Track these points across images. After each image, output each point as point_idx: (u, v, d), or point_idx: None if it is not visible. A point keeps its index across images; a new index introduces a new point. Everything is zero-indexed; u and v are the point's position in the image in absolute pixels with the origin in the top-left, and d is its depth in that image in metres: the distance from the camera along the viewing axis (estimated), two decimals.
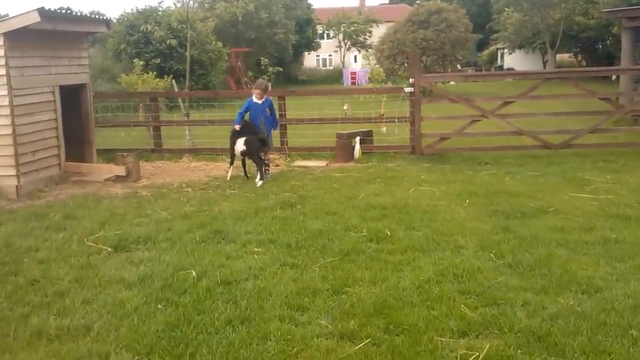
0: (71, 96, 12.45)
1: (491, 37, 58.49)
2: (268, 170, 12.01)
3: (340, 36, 63.94)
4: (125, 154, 11.94)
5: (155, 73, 21.78)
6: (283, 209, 9.07)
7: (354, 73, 58.36)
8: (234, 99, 17.88)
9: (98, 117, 16.22)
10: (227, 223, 8.30)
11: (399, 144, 14.40)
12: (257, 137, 11.61)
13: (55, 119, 11.64)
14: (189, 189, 10.94)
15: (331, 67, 71.03)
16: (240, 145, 11.53)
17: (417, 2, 40.15)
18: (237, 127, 11.71)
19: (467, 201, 9.38)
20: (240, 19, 43.67)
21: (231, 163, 11.92)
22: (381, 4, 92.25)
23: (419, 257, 6.74)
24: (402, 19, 39.63)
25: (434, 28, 36.18)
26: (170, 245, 7.25)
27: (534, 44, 54.15)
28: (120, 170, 11.70)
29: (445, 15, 36.70)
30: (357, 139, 14.00)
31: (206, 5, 47.34)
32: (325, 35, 67.87)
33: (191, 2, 16.09)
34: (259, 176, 11.35)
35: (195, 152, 14.78)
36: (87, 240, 7.55)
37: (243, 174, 11.98)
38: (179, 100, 16.16)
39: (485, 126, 14.63)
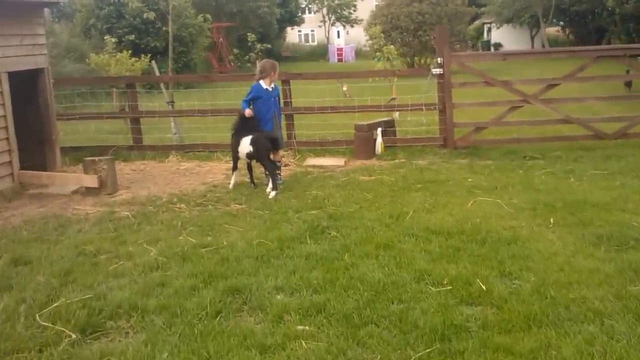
0: (25, 85, 9.89)
1: (478, 11, 56.10)
2: (280, 174, 9.57)
3: (324, 10, 60.98)
4: (97, 158, 9.39)
5: (130, 51, 19.09)
6: (315, 239, 6.72)
7: (340, 49, 55.96)
8: (232, 83, 15.19)
9: (62, 107, 13.69)
10: (246, 270, 5.93)
11: (427, 136, 12.01)
12: (267, 134, 9.17)
13: (4, 116, 9.13)
14: (183, 205, 8.52)
15: (314, 43, 68.18)
16: (245, 145, 9.11)
17: None
18: (249, 111, 9.28)
19: (551, 220, 7.14)
20: None
21: (234, 168, 9.56)
22: None
23: (556, 340, 4.38)
24: None
25: (429, 1, 33.65)
26: (167, 324, 4.81)
27: (522, 18, 51.94)
28: (91, 181, 9.21)
29: None
30: (379, 130, 11.61)
31: None
32: (307, 9, 64.77)
33: None
34: (271, 185, 8.95)
35: (184, 150, 12.32)
36: (39, 317, 5.01)
37: (249, 181, 9.54)
38: (161, 85, 13.57)
39: (524, 113, 12.27)
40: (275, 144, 9.16)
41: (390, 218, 7.39)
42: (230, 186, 9.37)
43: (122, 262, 6.31)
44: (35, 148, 10.39)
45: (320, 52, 61.55)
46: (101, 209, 8.49)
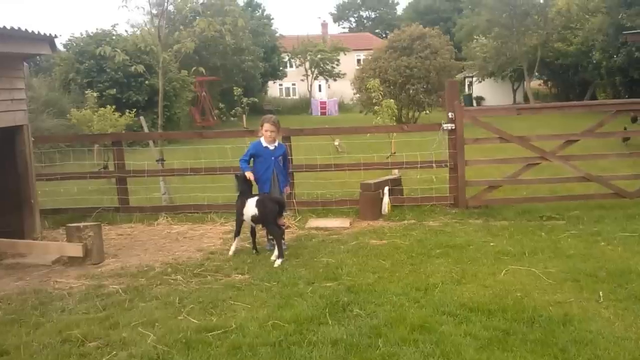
0: (2, 143, 9.03)
1: (463, 66, 56.38)
2: (284, 239, 8.76)
3: (307, 64, 60.82)
4: (81, 224, 8.50)
5: (113, 107, 18.29)
6: (337, 319, 5.88)
7: (323, 103, 55.63)
8: (219, 140, 14.37)
9: (41, 166, 12.82)
10: None
11: (436, 195, 11.24)
12: (273, 197, 8.39)
13: None
14: (179, 277, 7.62)
15: (296, 97, 67.90)
16: (251, 207, 8.30)
17: (397, 29, 37.20)
18: (250, 174, 8.57)
19: (600, 294, 6.36)
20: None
21: (237, 233, 8.73)
22: (341, 33, 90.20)
23: None
24: (382, 46, 36.82)
25: (417, 55, 33.36)
26: None
27: (504, 72, 52.15)
28: (74, 250, 8.31)
29: (429, 41, 33.93)
30: (386, 190, 10.82)
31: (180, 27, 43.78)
32: (289, 63, 64.60)
33: (161, 21, 12.48)
34: (276, 252, 8.11)
35: (175, 211, 11.44)
36: None
37: (251, 247, 8.70)
38: (150, 143, 12.74)
39: (536, 171, 11.60)
40: (282, 208, 8.34)
41: (417, 291, 6.55)
42: (230, 253, 8.51)
43: (115, 353, 5.38)
44: (12, 212, 9.49)
45: (302, 106, 61.21)
46: (87, 282, 7.58)
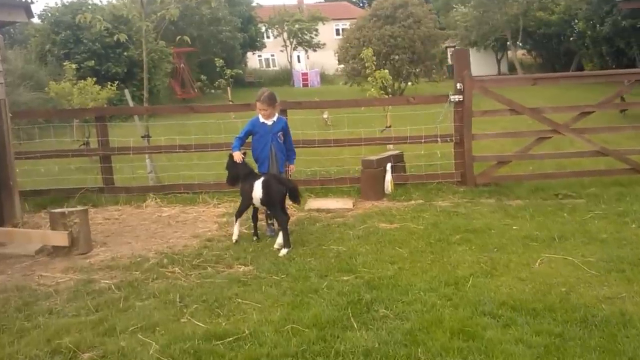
0: None
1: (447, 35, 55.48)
2: (272, 223, 8.10)
3: (285, 35, 59.52)
4: (66, 210, 7.68)
5: (94, 79, 17.29)
6: (363, 322, 5.17)
7: (305, 74, 54.57)
8: (215, 114, 13.40)
9: (19, 143, 11.95)
10: None
11: (442, 172, 10.53)
12: (281, 177, 7.64)
13: None
14: (176, 269, 6.85)
15: (276, 68, 66.56)
16: (257, 189, 7.55)
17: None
18: (238, 154, 7.82)
19: None
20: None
21: (238, 215, 7.96)
22: (318, 2, 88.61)
23: None
24: (365, 14, 35.85)
25: (400, 24, 32.46)
26: None
27: (487, 42, 51.41)
28: (60, 239, 7.50)
29: (411, 10, 33.02)
30: (389, 166, 10.09)
31: None
32: (266, 34, 63.19)
33: None
34: (280, 241, 7.44)
35: (163, 191, 10.64)
36: None
37: (253, 233, 7.94)
38: (136, 118, 11.86)
39: (545, 145, 10.93)
40: (292, 192, 7.54)
41: (447, 286, 5.85)
42: (234, 238, 7.77)
43: None
44: None
45: (284, 77, 60.05)
46: (75, 277, 6.79)
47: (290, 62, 61.24)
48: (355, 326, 5.04)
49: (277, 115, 8.09)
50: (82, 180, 11.41)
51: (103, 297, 6.10)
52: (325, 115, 20.54)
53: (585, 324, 4.91)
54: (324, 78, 58.38)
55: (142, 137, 11.44)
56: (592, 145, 10.08)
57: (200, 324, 5.28)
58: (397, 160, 10.55)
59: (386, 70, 15.22)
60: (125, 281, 6.52)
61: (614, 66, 34.71)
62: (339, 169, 11.59)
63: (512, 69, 52.69)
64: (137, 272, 6.82)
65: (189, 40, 12.84)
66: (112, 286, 6.37)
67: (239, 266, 6.92)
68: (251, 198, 7.57)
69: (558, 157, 10.99)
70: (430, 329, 4.88)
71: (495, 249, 6.97)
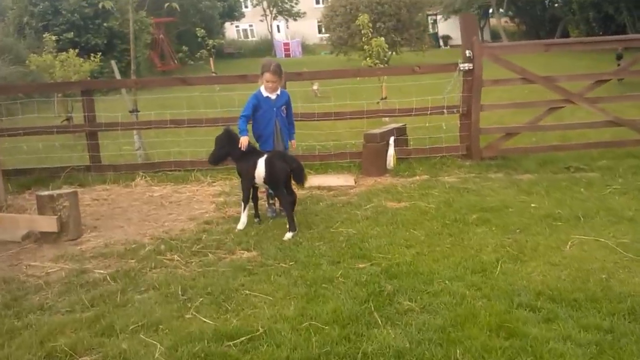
0: None
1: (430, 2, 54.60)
2: (273, 203, 7.57)
3: (265, 4, 58.33)
4: (54, 193, 7.11)
5: (76, 50, 16.54)
6: (388, 317, 4.70)
7: (287, 44, 53.60)
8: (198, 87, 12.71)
9: (1, 120, 11.30)
10: None
11: (446, 145, 10.04)
12: (284, 154, 7.09)
13: None
14: (175, 256, 6.31)
15: (254, 39, 65.23)
16: (260, 168, 6.98)
17: None
18: (246, 140, 7.12)
19: None
20: None
21: (245, 200, 7.30)
22: None
23: None
24: None
25: None
26: None
27: (471, 9, 50.67)
28: (48, 224, 6.93)
29: None
30: (392, 140, 9.58)
31: None
32: (244, 3, 61.79)
33: None
34: (289, 234, 6.78)
35: (153, 169, 10.08)
36: None
37: (254, 214, 7.40)
38: (123, 91, 11.22)
39: (552, 117, 10.50)
40: (297, 170, 6.97)
41: (473, 274, 5.39)
42: (240, 226, 7.19)
43: None
44: None
45: (265, 48, 58.88)
46: (66, 266, 6.25)
47: (271, 32, 60.12)
48: (380, 322, 4.56)
49: (279, 88, 7.48)
50: (67, 158, 10.81)
51: (98, 289, 5.58)
52: (315, 87, 19.97)
53: (634, 316, 4.47)
54: (305, 48, 57.43)
55: (130, 111, 10.84)
56: (605, 115, 9.61)
57: (208, 321, 4.78)
58: (400, 134, 10.05)
59: (382, 38, 14.61)
60: (120, 271, 5.99)
61: (600, 33, 34.24)
62: (336, 143, 11.07)
63: (494, 36, 52.17)
64: (132, 261, 6.29)
65: (177, 6, 12.15)
66: (107, 277, 5.84)
67: (242, 252, 6.43)
68: (253, 177, 7.01)
69: (570, 128, 10.52)
70: (465, 325, 4.41)
71: (518, 230, 6.52)
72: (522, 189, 8.25)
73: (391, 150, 9.60)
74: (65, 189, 8.06)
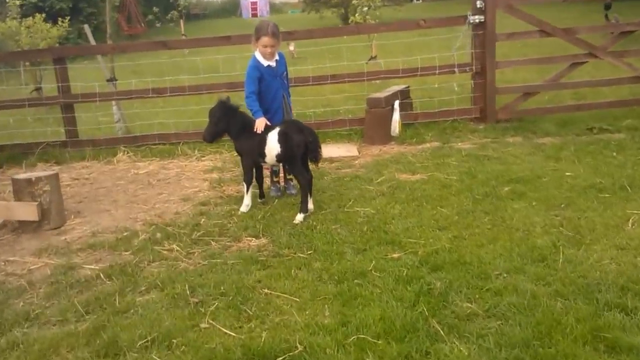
0: None
1: None
2: (291, 180, 6.71)
3: None
4: (33, 176, 6.19)
5: (43, 15, 15.34)
6: (453, 328, 3.92)
7: (254, 3, 51.87)
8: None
9: None
10: None
11: (457, 108, 9.22)
12: (302, 126, 6.14)
13: None
14: (174, 246, 5.49)
15: None
16: (273, 144, 6.03)
17: None
18: (261, 122, 6.22)
19: None
20: None
21: (249, 181, 6.36)
22: None
23: None
24: None
25: None
26: None
27: None
28: (27, 212, 6.04)
29: None
30: (396, 104, 8.76)
31: None
32: None
33: None
34: (300, 216, 5.96)
35: (135, 143, 9.20)
36: None
37: (258, 195, 6.55)
38: (99, 58, 10.19)
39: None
40: (313, 143, 6.06)
41: (533, 263, 4.62)
42: (244, 209, 6.34)
43: None
44: None
45: (231, 8, 56.94)
46: (50, 261, 5.39)
47: None
48: (442, 333, 3.77)
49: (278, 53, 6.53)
50: (41, 133, 9.83)
51: (92, 290, 4.75)
52: (291, 47, 19.01)
53: None
54: (272, 7, 55.72)
55: (107, 80, 9.84)
56: (632, 70, 8.85)
57: (230, 332, 3.98)
58: (403, 97, 9.22)
59: None
60: (115, 266, 5.15)
61: None
62: (328, 109, 10.23)
63: None
64: (127, 253, 5.46)
65: None
66: (101, 274, 5.00)
67: (249, 239, 5.62)
68: (262, 155, 6.12)
69: (594, 86, 9.78)
70: (552, 336, 3.61)
71: (563, 205, 5.78)
72: (549, 154, 7.53)
73: (396, 116, 8.79)
74: (43, 169, 7.15)
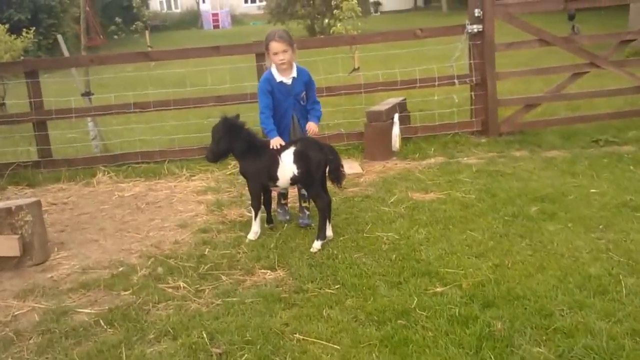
0: None
1: None
2: (307, 208, 6.07)
3: None
4: (12, 204, 5.47)
5: (6, 26, 14.47)
6: None
7: (216, 14, 51.10)
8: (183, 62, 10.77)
9: None
10: None
11: (458, 121, 8.75)
12: (321, 143, 5.53)
13: None
14: (181, 283, 4.89)
15: (178, 10, 61.63)
16: (288, 165, 5.40)
17: None
18: (276, 142, 5.56)
19: None
20: None
21: (257, 206, 5.69)
22: None
23: None
24: None
25: None
26: None
27: None
28: (7, 247, 5.32)
29: None
30: (396, 118, 8.25)
31: None
32: None
33: None
34: (317, 244, 5.36)
35: (115, 162, 8.50)
36: None
37: (266, 220, 5.89)
38: (73, 72, 9.43)
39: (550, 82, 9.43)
40: (333, 162, 5.42)
41: (596, 296, 4.10)
42: (252, 237, 5.70)
43: None
44: None
45: (190, 19, 55.93)
46: (39, 305, 4.70)
47: (198, 3, 57.18)
48: None
49: (295, 65, 5.85)
50: (11, 153, 9.04)
51: (91, 341, 4.09)
52: None
53: None
54: (233, 18, 54.93)
55: (82, 94, 9.12)
56: (634, 79, 8.49)
57: None
58: (401, 110, 8.71)
59: (354, 1, 13.08)
60: (115, 310, 4.48)
61: None
62: (322, 124, 9.61)
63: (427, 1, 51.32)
64: (126, 293, 4.78)
65: None
66: (100, 320, 4.34)
67: (264, 271, 5.01)
68: (273, 179, 5.51)
69: (596, 96, 9.38)
70: None
71: (601, 226, 5.30)
72: (562, 169, 7.11)
73: (396, 130, 8.27)
74: (15, 193, 6.45)
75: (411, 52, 10.90)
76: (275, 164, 5.38)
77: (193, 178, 7.92)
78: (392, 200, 6.45)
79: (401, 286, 4.49)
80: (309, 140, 5.49)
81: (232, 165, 8.08)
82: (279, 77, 5.68)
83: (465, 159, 7.85)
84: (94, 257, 5.58)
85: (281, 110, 5.76)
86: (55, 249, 5.79)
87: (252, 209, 5.69)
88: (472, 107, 8.63)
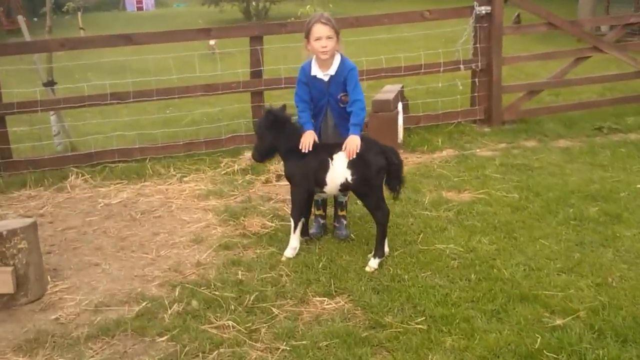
0: None
1: None
2: (344, 217, 5.07)
3: None
4: (4, 230, 4.23)
5: None
6: None
7: None
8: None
9: None
10: None
11: (461, 109, 7.92)
12: (382, 147, 4.49)
13: None
14: (228, 322, 3.82)
15: None
16: (340, 169, 4.40)
17: None
18: (308, 137, 4.52)
19: None
20: None
21: (298, 216, 4.65)
22: None
23: None
24: None
25: None
26: None
27: None
28: (1, 283, 4.10)
29: None
30: (400, 107, 7.35)
31: None
32: None
33: None
34: (379, 250, 4.44)
35: (88, 162, 7.24)
36: None
37: (302, 231, 4.85)
38: (35, 58, 8.01)
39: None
40: (396, 170, 4.47)
41: None
42: (290, 253, 4.67)
43: None
44: None
45: (110, 1, 53.03)
46: None
47: None
48: None
49: (339, 57, 4.69)
50: None
51: None
52: (212, 42, 17.04)
53: None
54: (157, 0, 52.41)
55: (44, 84, 7.78)
56: (635, 64, 7.89)
57: None
58: (400, 98, 7.82)
59: None
60: None
61: None
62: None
63: None
64: (163, 339, 3.72)
65: None
66: None
67: (320, 299, 4.04)
68: (320, 183, 4.48)
69: (600, 82, 8.76)
70: None
71: None
72: (587, 161, 6.61)
73: (400, 120, 7.36)
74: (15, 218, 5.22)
75: (392, 36, 10.02)
76: (325, 166, 4.38)
77: (185, 179, 6.77)
78: (425, 201, 5.57)
79: (501, 317, 3.63)
80: (369, 140, 4.49)
81: (225, 164, 7.02)
82: (314, 70, 4.64)
83: (477, 150, 7.06)
84: (101, 287, 4.44)
85: (315, 109, 4.73)
86: (49, 278, 4.59)
87: (291, 219, 4.65)
88: (476, 94, 7.79)
